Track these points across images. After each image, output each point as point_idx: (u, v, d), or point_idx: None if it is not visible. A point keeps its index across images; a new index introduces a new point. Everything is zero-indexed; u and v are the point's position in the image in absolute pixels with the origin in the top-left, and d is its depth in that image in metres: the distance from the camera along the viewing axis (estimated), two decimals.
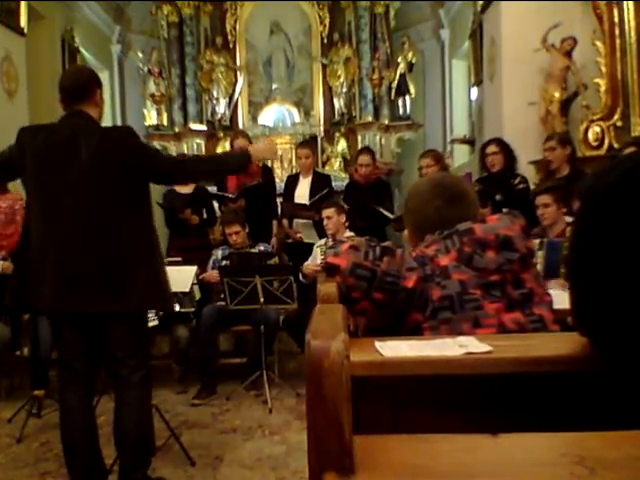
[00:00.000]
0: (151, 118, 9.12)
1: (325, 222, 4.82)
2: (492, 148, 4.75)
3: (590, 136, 4.90)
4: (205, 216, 5.45)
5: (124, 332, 2.58)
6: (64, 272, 2.45)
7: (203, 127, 9.20)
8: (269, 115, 9.46)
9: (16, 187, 5.23)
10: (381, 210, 5.26)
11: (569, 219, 3.67)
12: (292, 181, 5.78)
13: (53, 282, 2.46)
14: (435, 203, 1.70)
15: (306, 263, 4.92)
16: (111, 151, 2.51)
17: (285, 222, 5.65)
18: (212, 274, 4.64)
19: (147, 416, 2.72)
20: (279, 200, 5.78)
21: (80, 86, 2.61)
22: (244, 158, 2.78)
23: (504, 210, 3.72)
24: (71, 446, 2.58)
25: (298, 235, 5.54)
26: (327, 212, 4.80)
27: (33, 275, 2.50)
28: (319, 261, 4.81)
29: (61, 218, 2.47)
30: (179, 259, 4.62)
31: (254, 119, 9.38)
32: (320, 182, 5.59)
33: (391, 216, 5.22)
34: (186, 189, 5.42)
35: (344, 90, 9.34)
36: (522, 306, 1.50)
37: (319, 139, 9.17)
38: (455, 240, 1.55)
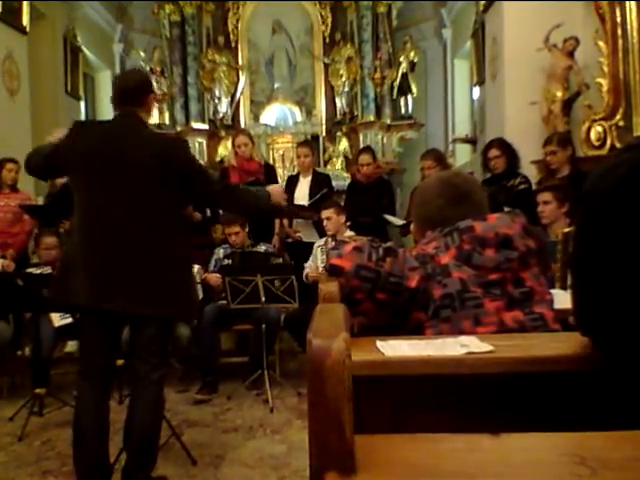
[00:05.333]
0: (153, 117, 9.12)
1: (325, 223, 4.81)
2: (494, 152, 4.73)
3: (592, 136, 4.88)
4: (209, 214, 5.44)
5: (153, 332, 2.61)
6: (107, 271, 2.49)
7: (205, 126, 9.20)
8: (271, 114, 9.47)
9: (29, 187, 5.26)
10: (388, 218, 5.25)
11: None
12: (292, 181, 5.79)
13: (95, 279, 2.49)
14: (439, 201, 1.69)
15: (308, 265, 4.92)
16: (163, 159, 2.55)
17: (285, 222, 5.65)
18: (213, 277, 4.63)
19: (158, 417, 2.72)
20: None
21: (134, 88, 2.64)
22: (268, 199, 2.85)
23: (505, 209, 3.71)
24: (81, 441, 2.59)
25: (298, 234, 5.54)
26: (326, 213, 4.79)
27: (72, 271, 2.53)
28: (320, 261, 4.81)
29: (108, 218, 2.51)
30: None
31: (256, 118, 9.39)
32: (320, 182, 5.59)
33: (399, 223, 5.21)
34: None
35: (346, 89, 9.35)
36: (522, 305, 1.50)
37: (321, 138, 9.17)
38: (455, 237, 1.55)
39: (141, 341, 2.63)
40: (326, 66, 9.45)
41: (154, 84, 8.86)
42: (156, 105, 9.08)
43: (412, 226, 1.84)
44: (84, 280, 2.49)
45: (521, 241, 1.54)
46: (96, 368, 2.62)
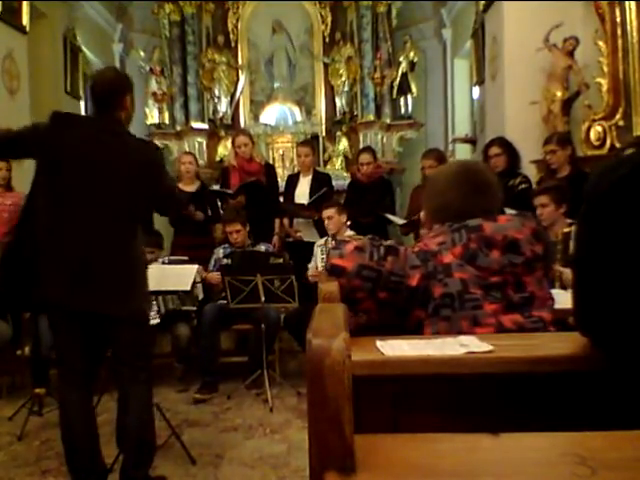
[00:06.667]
0: (153, 117, 9.11)
1: (326, 222, 4.81)
2: (494, 150, 4.73)
3: (592, 136, 4.88)
4: (210, 214, 5.45)
5: (130, 334, 2.61)
6: (79, 270, 2.49)
7: (205, 126, 9.19)
8: (271, 114, 9.46)
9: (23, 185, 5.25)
10: (389, 217, 5.25)
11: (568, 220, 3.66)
12: (293, 180, 5.79)
13: (66, 278, 2.49)
14: (460, 189, 1.66)
15: (311, 267, 4.92)
16: (134, 163, 2.57)
17: (286, 221, 5.65)
18: (214, 276, 4.63)
19: (150, 415, 2.73)
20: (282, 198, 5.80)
21: (111, 93, 2.64)
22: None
23: (507, 210, 3.70)
24: (71, 444, 2.59)
25: (298, 234, 5.55)
26: (328, 212, 4.79)
27: (41, 270, 2.51)
28: (320, 260, 4.81)
29: (79, 216, 2.51)
30: (185, 258, 4.62)
31: (256, 118, 9.38)
32: (320, 181, 5.60)
33: (399, 222, 5.21)
34: (190, 187, 5.42)
35: (346, 89, 9.33)
36: (521, 309, 1.50)
37: (321, 138, 9.16)
38: (463, 235, 1.54)
39: (120, 346, 2.64)
40: (326, 66, 9.43)
41: (154, 83, 8.92)
42: (156, 105, 9.08)
43: (422, 214, 1.81)
44: (62, 281, 2.49)
45: (528, 246, 1.53)
46: (76, 371, 2.62)
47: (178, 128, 9.08)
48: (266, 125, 9.19)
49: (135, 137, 2.73)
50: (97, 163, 2.52)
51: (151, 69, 9.04)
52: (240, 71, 9.40)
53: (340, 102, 9.41)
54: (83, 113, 7.94)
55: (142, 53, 9.17)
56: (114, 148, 2.56)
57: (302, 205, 5.44)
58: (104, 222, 2.52)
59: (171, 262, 4.53)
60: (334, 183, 5.98)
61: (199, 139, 9.09)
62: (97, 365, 2.75)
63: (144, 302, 2.73)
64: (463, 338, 1.30)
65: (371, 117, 9.12)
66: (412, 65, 9.08)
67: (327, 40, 9.40)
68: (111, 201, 2.53)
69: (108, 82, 2.68)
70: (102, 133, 2.57)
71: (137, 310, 2.64)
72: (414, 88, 9.13)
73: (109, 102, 2.61)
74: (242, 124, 9.18)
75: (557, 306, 1.61)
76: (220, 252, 4.88)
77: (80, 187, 2.51)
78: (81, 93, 7.92)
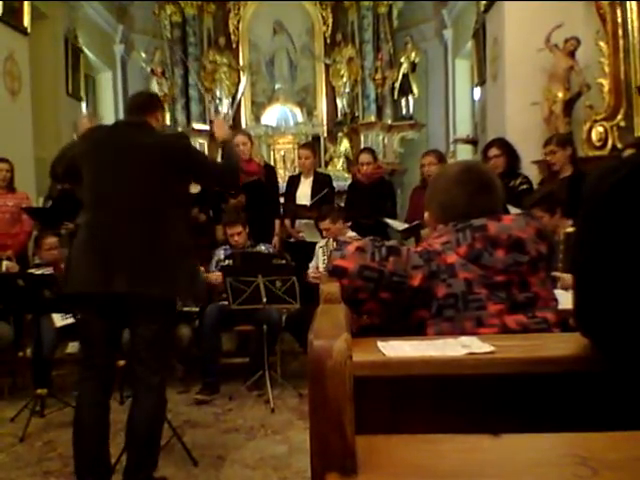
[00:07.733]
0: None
1: (324, 234, 4.85)
2: (494, 151, 4.72)
3: (593, 136, 4.88)
4: (212, 214, 5.45)
5: (152, 333, 2.63)
6: (108, 256, 2.57)
7: (206, 127, 9.20)
8: (272, 115, 9.47)
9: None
10: (388, 221, 5.25)
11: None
12: (294, 181, 5.80)
13: (97, 265, 2.57)
14: (465, 188, 1.65)
15: (312, 266, 4.93)
16: (164, 152, 2.68)
17: (287, 222, 5.65)
18: (213, 275, 4.63)
19: (159, 420, 2.73)
20: (282, 199, 5.80)
21: (141, 101, 2.86)
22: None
23: (511, 210, 3.70)
24: (81, 437, 2.61)
25: (300, 234, 5.55)
26: (323, 225, 4.83)
27: (77, 262, 2.62)
28: (321, 261, 4.81)
29: (110, 207, 2.62)
30: None
31: (257, 119, 9.39)
32: (321, 182, 5.60)
33: (399, 227, 5.21)
34: (193, 189, 5.42)
35: (347, 90, 9.35)
36: (525, 309, 1.50)
37: (322, 139, 9.18)
38: (467, 234, 1.53)
39: (141, 343, 2.64)
40: (327, 67, 9.45)
41: (155, 85, 8.93)
42: None
43: (426, 215, 1.80)
44: (87, 268, 2.58)
45: (533, 246, 1.53)
46: (97, 365, 2.65)
47: (179, 129, 9.09)
48: (267, 126, 9.20)
49: (162, 132, 2.87)
50: (123, 154, 2.63)
51: (152, 70, 9.06)
52: (241, 72, 9.41)
53: (341, 103, 9.42)
54: (84, 112, 7.97)
55: (143, 54, 9.18)
56: (139, 138, 2.67)
57: (305, 206, 5.45)
58: (131, 209, 2.60)
59: None
60: (335, 184, 5.99)
61: (200, 140, 9.11)
62: (115, 361, 2.83)
63: (177, 286, 2.72)
64: (464, 339, 1.30)
65: (372, 118, 9.13)
66: (413, 66, 9.10)
67: (328, 41, 9.42)
68: (142, 189, 2.61)
69: (141, 98, 2.94)
70: (128, 127, 2.73)
71: (164, 292, 2.66)
72: (415, 89, 9.14)
73: (140, 109, 2.79)
74: (243, 125, 9.19)
75: (559, 307, 1.61)
76: (221, 253, 4.87)
77: (110, 179, 2.63)
78: (82, 94, 7.93)
